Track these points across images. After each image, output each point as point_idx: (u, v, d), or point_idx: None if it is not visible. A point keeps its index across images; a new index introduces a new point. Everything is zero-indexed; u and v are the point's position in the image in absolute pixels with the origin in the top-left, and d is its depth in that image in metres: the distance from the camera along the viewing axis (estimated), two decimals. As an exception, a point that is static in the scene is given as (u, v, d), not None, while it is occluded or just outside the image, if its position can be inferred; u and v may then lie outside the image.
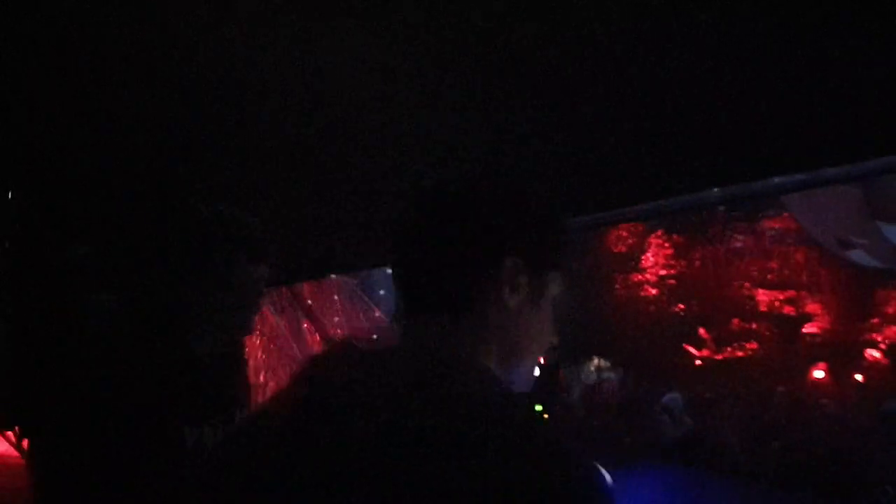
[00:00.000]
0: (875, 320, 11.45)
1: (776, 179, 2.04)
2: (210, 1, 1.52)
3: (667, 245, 13.04)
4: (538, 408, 2.66)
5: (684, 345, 12.26)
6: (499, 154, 2.10)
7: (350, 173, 2.29)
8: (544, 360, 2.84)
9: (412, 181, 2.29)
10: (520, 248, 1.07)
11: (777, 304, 12.26)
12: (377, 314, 9.87)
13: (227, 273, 1.60)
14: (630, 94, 1.74)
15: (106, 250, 1.68)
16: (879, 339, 11.27)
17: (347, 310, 9.76)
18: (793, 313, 12.16)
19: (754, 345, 12.14)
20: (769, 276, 12.47)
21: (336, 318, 9.57)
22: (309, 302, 7.87)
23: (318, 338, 8.08)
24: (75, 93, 1.85)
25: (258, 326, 7.10)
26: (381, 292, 10.23)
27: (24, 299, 1.71)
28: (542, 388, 2.76)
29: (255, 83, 1.80)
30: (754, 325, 12.23)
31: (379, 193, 2.40)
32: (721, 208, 11.61)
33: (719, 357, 12.18)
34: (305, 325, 8.51)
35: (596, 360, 11.95)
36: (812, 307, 12.10)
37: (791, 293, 12.25)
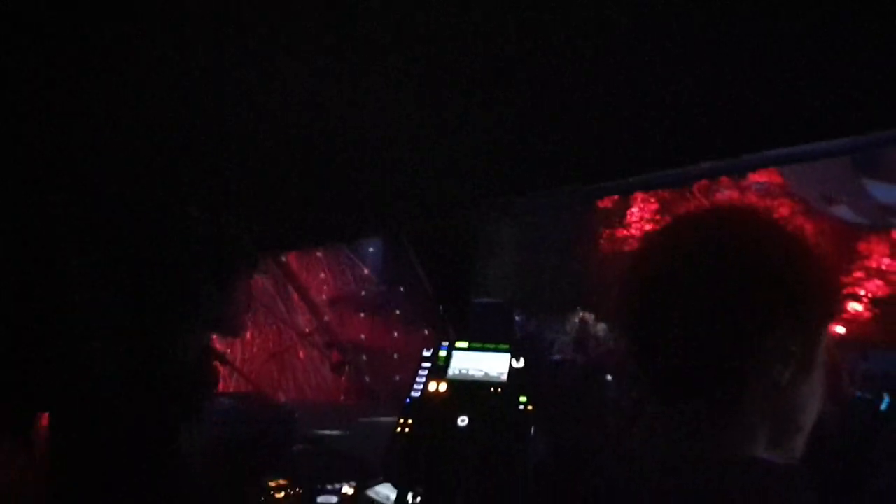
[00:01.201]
0: (858, 274, 11.55)
1: (768, 152, 2.02)
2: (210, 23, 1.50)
3: (652, 200, 13.04)
4: (523, 399, 2.64)
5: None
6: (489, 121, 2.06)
7: (337, 147, 2.25)
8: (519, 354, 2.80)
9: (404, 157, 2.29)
10: (788, 313, 0.87)
11: (761, 258, 12.33)
12: (365, 272, 9.83)
13: (220, 290, 1.60)
14: (619, 69, 1.71)
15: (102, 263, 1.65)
16: (862, 292, 11.39)
17: (333, 267, 9.72)
18: (777, 267, 12.24)
19: (737, 298, 12.22)
20: (754, 230, 12.51)
21: (322, 275, 9.55)
22: (292, 265, 7.84)
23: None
24: (73, 97, 1.82)
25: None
26: (370, 249, 10.13)
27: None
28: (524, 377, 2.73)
29: (247, 76, 1.76)
30: (738, 280, 12.30)
31: (366, 166, 2.37)
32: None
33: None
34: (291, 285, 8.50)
35: (581, 313, 11.99)
36: (796, 261, 12.17)
37: (775, 247, 12.31)
